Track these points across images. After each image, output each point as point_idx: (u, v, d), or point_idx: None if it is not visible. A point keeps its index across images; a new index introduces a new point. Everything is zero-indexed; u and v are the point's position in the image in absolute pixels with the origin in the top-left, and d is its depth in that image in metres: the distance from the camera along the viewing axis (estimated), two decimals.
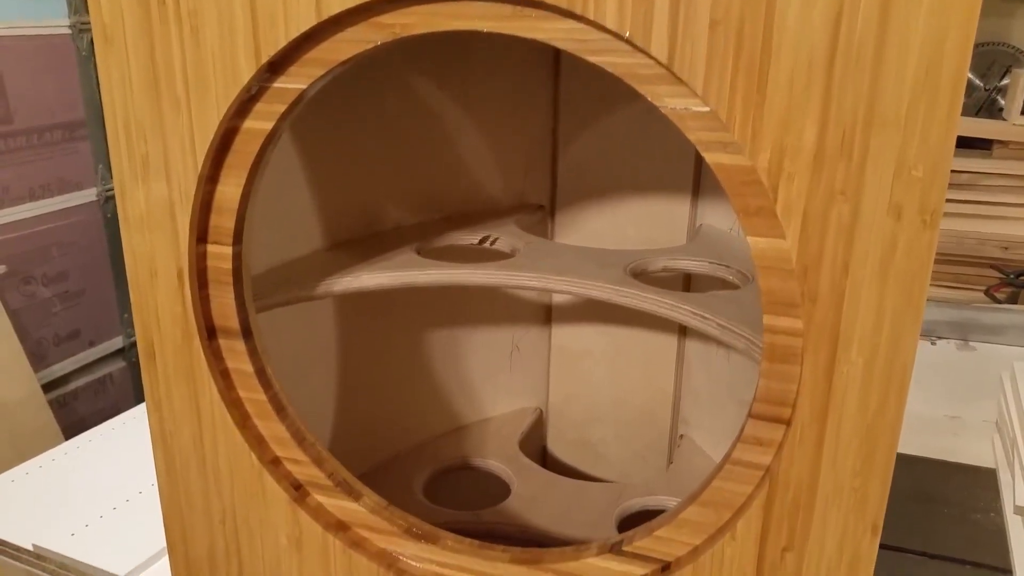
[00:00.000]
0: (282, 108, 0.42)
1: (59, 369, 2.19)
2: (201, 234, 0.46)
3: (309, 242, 0.63)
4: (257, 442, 0.49)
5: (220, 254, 0.46)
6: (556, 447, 0.85)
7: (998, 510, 1.06)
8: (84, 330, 2.25)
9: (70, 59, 2.10)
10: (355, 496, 0.50)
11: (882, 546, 1.04)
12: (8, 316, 1.99)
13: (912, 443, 1.22)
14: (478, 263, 0.60)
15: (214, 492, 0.51)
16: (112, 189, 2.12)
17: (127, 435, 1.26)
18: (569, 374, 0.82)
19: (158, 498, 1.09)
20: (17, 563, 1.02)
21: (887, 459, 0.36)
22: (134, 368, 2.39)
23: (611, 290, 0.55)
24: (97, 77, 0.48)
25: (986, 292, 1.89)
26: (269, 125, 0.43)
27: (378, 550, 0.49)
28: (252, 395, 0.49)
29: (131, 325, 2.39)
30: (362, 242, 0.65)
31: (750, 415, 0.39)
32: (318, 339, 0.68)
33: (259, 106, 0.43)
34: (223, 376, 0.49)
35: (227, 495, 0.51)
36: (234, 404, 0.49)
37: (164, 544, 0.97)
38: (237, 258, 0.47)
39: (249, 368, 0.49)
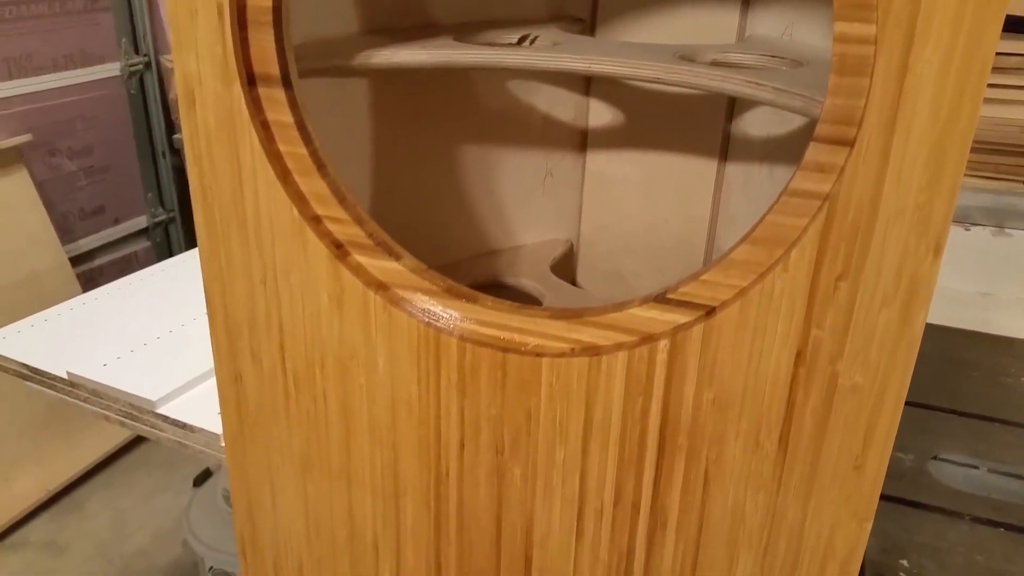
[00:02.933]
0: None
1: (85, 244, 2.21)
2: None
3: (345, 23, 0.61)
4: (298, 198, 0.49)
5: None
6: (586, 280, 0.85)
7: None
8: (109, 207, 2.25)
9: None
10: (395, 256, 0.49)
11: (908, 403, 1.04)
12: (36, 187, 2.00)
13: (944, 315, 1.21)
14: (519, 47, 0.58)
15: (255, 250, 0.51)
16: (135, 64, 2.09)
17: (154, 284, 1.27)
18: (602, 203, 0.80)
19: (186, 337, 1.10)
20: (51, 391, 1.04)
21: (956, 172, 0.35)
22: (159, 248, 2.41)
23: (660, 68, 0.53)
24: None
25: None
26: None
27: (418, 308, 0.49)
28: (292, 149, 0.48)
29: (155, 205, 2.41)
30: (399, 31, 0.63)
31: (813, 139, 0.38)
32: (353, 141, 0.67)
33: None
34: (263, 128, 0.48)
35: (268, 253, 0.50)
36: (275, 157, 0.48)
37: (195, 375, 0.99)
38: None
39: (289, 119, 0.47)
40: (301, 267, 0.50)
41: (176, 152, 2.32)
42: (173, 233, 2.43)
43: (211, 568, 1.38)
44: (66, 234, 2.12)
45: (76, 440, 2.07)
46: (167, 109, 2.26)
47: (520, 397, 0.48)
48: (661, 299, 0.44)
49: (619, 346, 0.45)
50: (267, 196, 0.49)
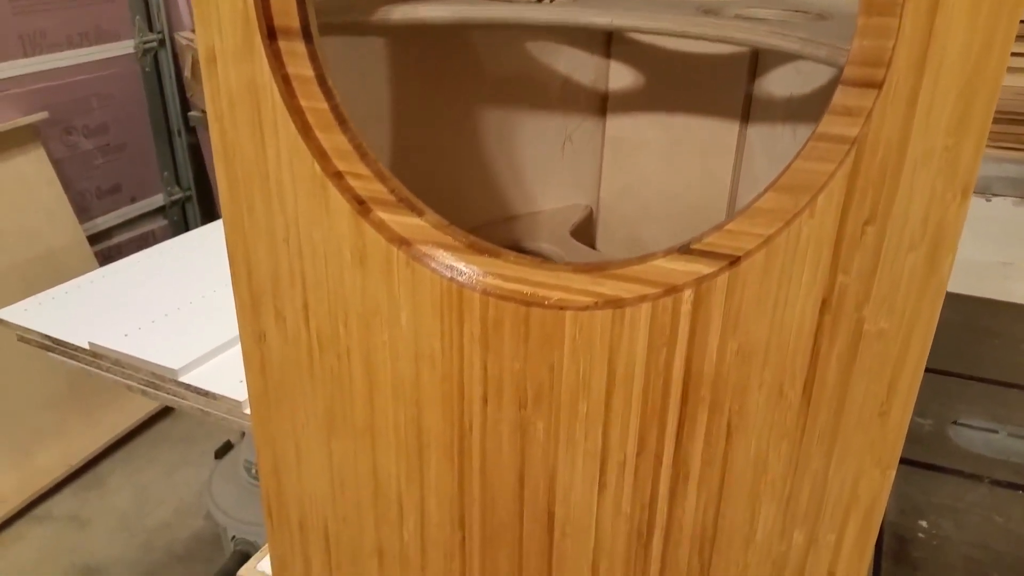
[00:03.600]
0: None
1: (102, 223, 2.23)
2: None
3: None
4: (319, 154, 0.49)
5: None
6: (606, 246, 0.85)
7: None
8: (125, 185, 2.27)
9: None
10: (418, 212, 0.50)
11: (929, 369, 1.03)
12: (52, 165, 2.01)
13: (965, 284, 1.20)
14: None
15: (277, 207, 0.51)
16: (150, 41, 2.09)
17: (173, 257, 1.28)
18: (622, 168, 0.80)
19: (207, 308, 1.11)
20: (74, 362, 1.05)
21: (985, 114, 0.35)
22: (176, 226, 2.42)
23: (685, 21, 0.53)
24: None
25: None
26: None
27: (441, 264, 0.49)
28: (313, 104, 0.48)
29: (171, 183, 2.42)
30: None
31: (840, 82, 0.37)
32: (371, 103, 0.67)
33: None
34: (284, 82, 0.48)
35: (290, 210, 0.50)
36: (296, 112, 0.48)
37: (216, 344, 1.00)
38: None
39: (310, 73, 0.48)
40: (323, 224, 0.50)
41: (191, 130, 2.33)
42: (190, 212, 2.44)
43: (234, 538, 1.39)
44: (83, 212, 2.14)
45: (97, 416, 2.10)
46: (182, 87, 2.27)
47: (543, 351, 0.48)
48: (685, 250, 0.44)
49: (642, 298, 0.45)
50: (288, 152, 0.49)
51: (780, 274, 0.41)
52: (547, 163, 0.80)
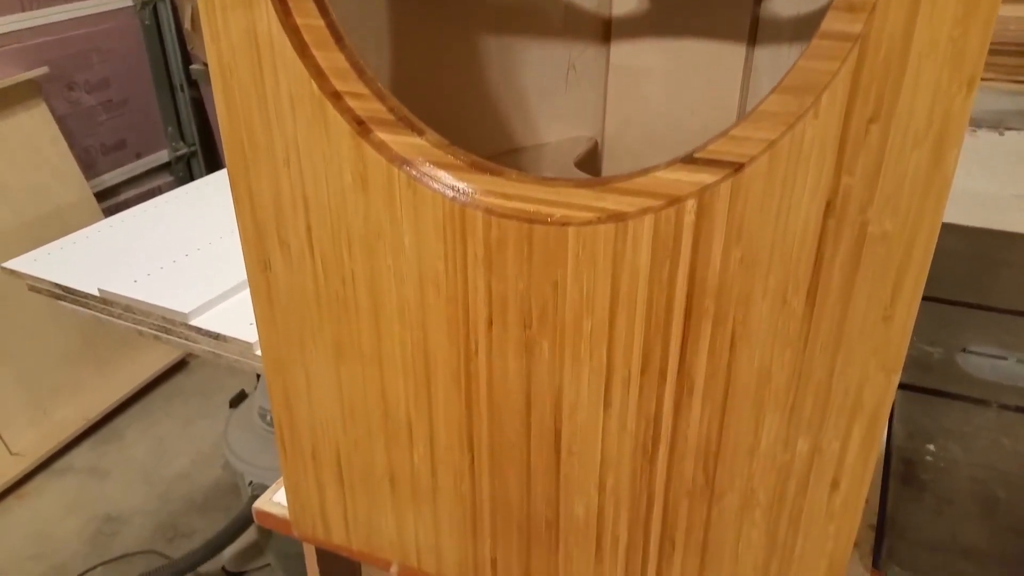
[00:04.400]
0: None
1: (109, 179, 2.23)
2: None
3: None
4: (317, 73, 0.48)
5: None
6: None
7: None
8: (130, 141, 2.26)
9: None
10: (418, 131, 0.49)
11: (938, 300, 1.03)
12: (55, 122, 2.00)
13: (977, 217, 1.19)
14: None
15: (276, 130, 0.51)
16: None
17: (179, 207, 1.28)
18: (627, 96, 0.79)
19: (214, 254, 1.11)
20: (84, 309, 1.06)
21: (992, 5, 0.34)
22: (181, 182, 2.42)
23: None
24: None
25: None
26: None
27: (443, 183, 0.49)
28: (309, 21, 0.48)
29: (176, 139, 2.41)
30: None
31: None
32: (371, 30, 0.66)
33: None
34: (279, 0, 0.47)
35: (290, 132, 0.50)
36: (292, 31, 0.48)
37: (225, 288, 1.01)
38: None
39: None
40: (323, 145, 0.50)
41: (193, 84, 2.31)
42: (195, 167, 2.44)
43: (251, 483, 1.42)
44: (89, 169, 2.14)
45: (112, 371, 2.12)
46: (182, 40, 2.25)
47: (547, 269, 0.48)
48: (688, 159, 0.44)
49: (645, 211, 0.45)
50: (286, 72, 0.48)
51: (784, 178, 0.40)
52: (551, 93, 0.79)
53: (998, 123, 1.48)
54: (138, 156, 2.29)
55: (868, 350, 0.42)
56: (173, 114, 2.34)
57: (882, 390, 0.43)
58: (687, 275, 0.45)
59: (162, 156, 2.36)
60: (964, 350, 0.90)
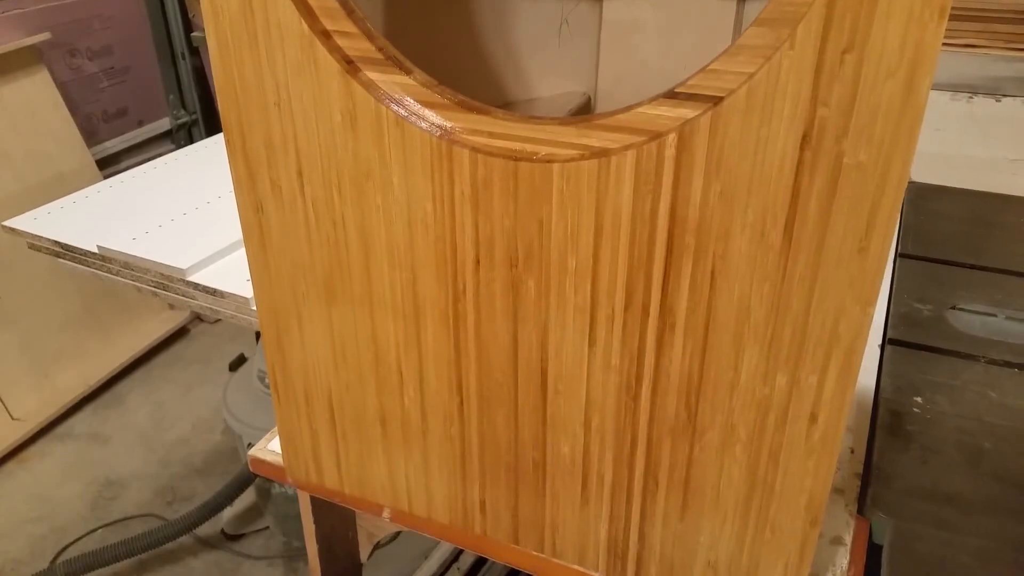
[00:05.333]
0: None
1: (110, 147, 2.23)
2: None
3: None
4: (306, 12, 0.49)
5: None
6: None
7: None
8: (132, 108, 2.26)
9: None
10: (406, 70, 0.50)
11: (926, 258, 1.03)
12: (57, 88, 2.00)
13: (972, 180, 1.19)
14: None
15: (267, 70, 0.51)
16: None
17: (177, 168, 1.29)
18: (620, 51, 0.80)
19: (212, 213, 1.12)
20: (83, 267, 1.07)
21: None
22: None
23: None
24: None
25: None
26: None
27: (431, 122, 0.50)
28: None
29: (177, 107, 2.40)
30: None
31: None
32: None
33: None
34: None
35: (280, 72, 0.51)
36: None
37: (223, 245, 1.01)
38: None
39: None
40: (313, 85, 0.50)
41: (195, 52, 2.31)
42: (197, 135, 2.44)
43: (249, 445, 1.43)
44: (91, 136, 2.14)
45: (113, 338, 2.14)
46: (183, 7, 2.24)
47: (532, 207, 0.49)
48: (670, 95, 0.44)
49: (628, 147, 0.45)
50: (276, 11, 0.49)
51: (762, 111, 0.41)
52: (544, 48, 0.79)
53: (995, 89, 1.48)
54: (139, 124, 2.29)
55: (844, 282, 0.43)
56: (175, 82, 2.34)
57: (858, 323, 0.44)
58: (668, 210, 0.46)
59: (163, 124, 2.36)
60: (954, 307, 0.91)
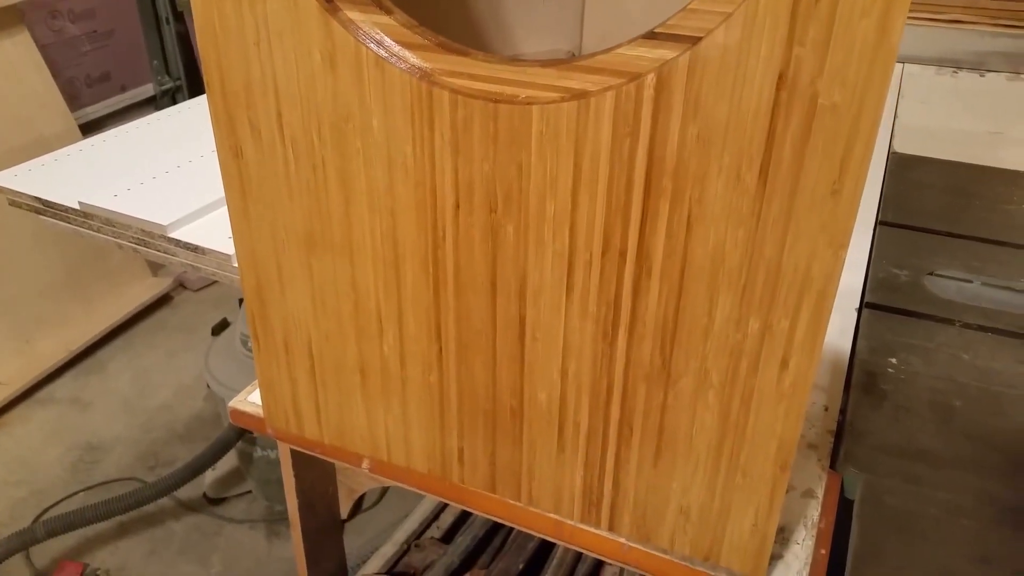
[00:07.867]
0: None
1: (93, 112, 2.21)
2: None
3: None
4: None
5: None
6: None
7: None
8: (115, 73, 2.24)
9: None
10: (386, 10, 0.50)
11: (905, 226, 1.04)
12: (38, 51, 1.98)
13: (954, 152, 1.20)
14: None
15: (247, 9, 0.51)
16: None
17: (160, 128, 1.28)
18: (605, 9, 0.80)
19: (194, 171, 1.11)
20: (64, 223, 1.06)
21: None
22: None
23: None
24: None
25: None
26: None
27: (410, 64, 0.50)
28: None
29: (161, 73, 2.37)
30: None
31: None
32: None
33: None
34: None
35: (259, 12, 0.51)
36: None
37: (205, 203, 1.01)
38: None
39: None
40: (292, 25, 0.50)
41: (179, 18, 2.28)
42: (180, 102, 2.41)
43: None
44: (73, 101, 2.12)
45: (96, 304, 2.13)
46: None
47: (511, 150, 0.49)
48: (649, 36, 0.44)
49: (607, 88, 0.46)
50: None
51: (739, 50, 0.41)
52: (528, 5, 0.79)
53: (979, 64, 1.49)
54: (123, 89, 2.27)
55: (817, 226, 0.44)
56: (159, 47, 2.31)
57: (829, 267, 0.45)
58: (646, 153, 0.46)
59: (147, 90, 2.34)
60: (931, 273, 0.92)
